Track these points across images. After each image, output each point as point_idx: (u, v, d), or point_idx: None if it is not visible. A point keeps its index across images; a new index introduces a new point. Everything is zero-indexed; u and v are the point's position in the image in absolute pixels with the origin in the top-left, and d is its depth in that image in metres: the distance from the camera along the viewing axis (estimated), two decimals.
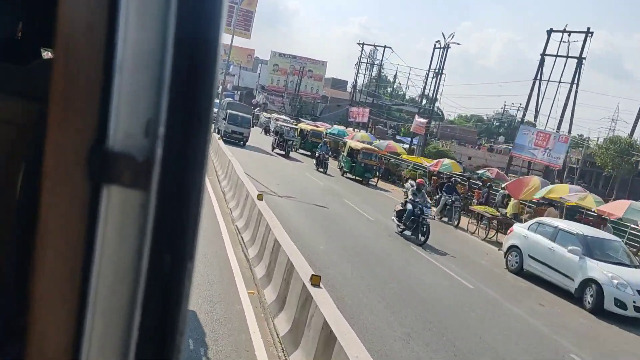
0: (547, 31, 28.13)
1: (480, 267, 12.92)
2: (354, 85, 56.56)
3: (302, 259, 6.63)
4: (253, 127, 35.62)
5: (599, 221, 15.62)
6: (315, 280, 5.47)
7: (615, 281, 10.34)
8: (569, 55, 27.31)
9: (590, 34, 27.03)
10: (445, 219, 18.52)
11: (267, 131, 43.92)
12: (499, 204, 20.93)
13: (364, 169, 24.96)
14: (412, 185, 23.70)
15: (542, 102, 28.97)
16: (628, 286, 10.23)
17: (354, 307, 7.72)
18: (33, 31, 2.26)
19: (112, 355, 0.72)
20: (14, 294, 1.06)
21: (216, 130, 29.99)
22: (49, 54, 2.07)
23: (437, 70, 39.35)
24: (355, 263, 10.33)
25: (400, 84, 70.41)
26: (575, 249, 11.23)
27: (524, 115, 28.28)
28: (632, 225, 17.04)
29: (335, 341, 4.34)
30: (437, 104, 40.44)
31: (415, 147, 39.86)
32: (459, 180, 20.65)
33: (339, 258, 10.40)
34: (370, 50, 56.39)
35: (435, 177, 24.76)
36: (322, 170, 25.44)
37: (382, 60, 50.92)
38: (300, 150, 33.68)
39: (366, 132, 49.08)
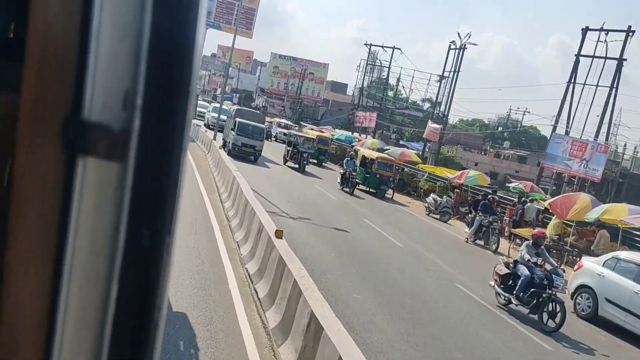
0: (582, 29, 25.57)
1: None
2: (361, 89, 54.03)
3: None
4: None
5: None
6: None
7: None
8: (607, 56, 24.82)
9: (631, 33, 24.49)
10: (481, 242, 16.11)
11: (268, 136, 41.18)
12: (533, 221, 18.63)
13: (379, 180, 22.47)
14: (434, 200, 21.62)
15: (576, 107, 26.58)
16: None
17: None
18: (25, 31, 1.63)
19: (88, 328, 0.71)
20: None
21: (223, 141, 26.32)
22: None
23: (442, 74, 37.00)
24: (405, 323, 7.86)
25: (404, 86, 68.10)
26: None
27: (556, 122, 25.76)
28: None
29: None
30: (448, 108, 37.83)
31: (428, 154, 37.35)
32: (496, 197, 18.21)
33: (381, 312, 7.95)
34: (375, 52, 54.14)
35: (459, 190, 22.41)
36: (348, 190, 21.20)
37: (390, 61, 48.34)
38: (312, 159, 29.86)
39: (373, 137, 46.89)
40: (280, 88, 72.97)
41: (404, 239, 14.33)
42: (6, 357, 0.74)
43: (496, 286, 9.81)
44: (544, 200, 19.71)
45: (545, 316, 9.08)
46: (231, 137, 24.67)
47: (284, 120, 46.78)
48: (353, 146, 34.27)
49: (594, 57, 25.87)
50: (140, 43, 0.68)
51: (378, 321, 7.53)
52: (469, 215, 17.36)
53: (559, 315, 8.85)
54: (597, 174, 23.73)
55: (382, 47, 48.72)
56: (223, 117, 30.26)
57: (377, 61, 52.71)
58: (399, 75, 56.07)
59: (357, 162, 24.38)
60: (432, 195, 21.45)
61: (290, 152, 26.18)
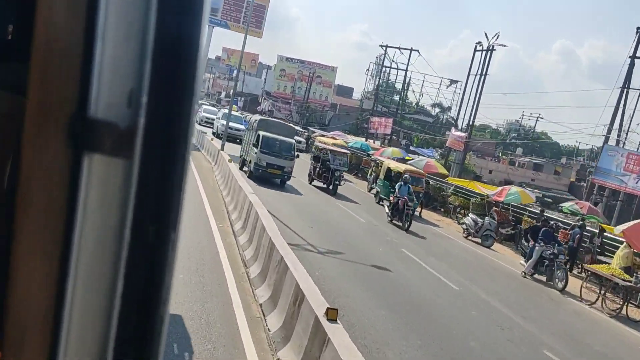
0: (638, 28, 22.94)
1: None
2: (376, 93, 51.33)
3: None
4: None
5: None
6: None
7: None
8: None
9: None
10: (542, 277, 13.46)
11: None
12: (594, 249, 16.00)
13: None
14: (474, 221, 18.97)
15: (631, 117, 23.81)
16: None
17: None
18: (24, 33, 1.87)
19: (94, 323, 0.71)
20: None
21: (240, 160, 21.01)
22: None
23: (466, 78, 34.38)
24: None
25: (414, 91, 65.52)
26: None
27: (609, 132, 22.85)
28: None
29: None
30: (473, 116, 35.11)
31: (452, 164, 34.60)
32: (559, 224, 15.59)
33: None
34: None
35: (497, 209, 19.77)
36: (401, 225, 16.64)
37: (407, 64, 45.55)
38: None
39: (384, 143, 44.28)
40: (287, 91, 70.53)
41: (454, 276, 11.73)
42: (13, 353, 0.74)
43: None
44: (604, 224, 17.11)
45: None
46: (253, 155, 19.08)
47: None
48: (370, 155, 31.68)
49: None
50: (145, 41, 0.68)
51: None
52: (525, 243, 14.70)
53: None
54: None
55: (399, 48, 45.88)
56: (232, 124, 27.32)
57: (394, 63, 49.88)
58: (409, 80, 53.17)
59: (382, 176, 21.79)
60: (470, 215, 18.80)
61: (317, 169, 21.40)
